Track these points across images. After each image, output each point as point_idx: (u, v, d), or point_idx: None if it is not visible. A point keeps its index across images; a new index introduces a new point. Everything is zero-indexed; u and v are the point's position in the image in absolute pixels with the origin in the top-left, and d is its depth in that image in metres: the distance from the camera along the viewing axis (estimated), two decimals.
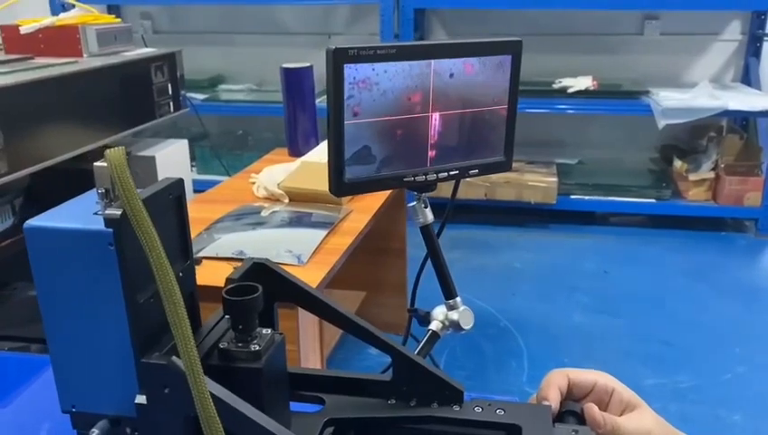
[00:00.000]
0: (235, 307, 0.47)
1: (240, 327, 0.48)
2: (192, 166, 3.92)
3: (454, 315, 0.67)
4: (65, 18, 2.03)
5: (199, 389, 0.39)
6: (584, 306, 2.62)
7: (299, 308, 1.29)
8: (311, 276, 1.35)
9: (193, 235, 1.57)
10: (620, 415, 0.62)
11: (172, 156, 2.17)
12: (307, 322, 1.42)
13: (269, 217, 1.68)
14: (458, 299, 0.68)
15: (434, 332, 0.67)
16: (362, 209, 1.72)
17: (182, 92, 2.27)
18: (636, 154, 3.67)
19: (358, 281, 2.35)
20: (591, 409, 0.60)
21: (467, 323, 0.67)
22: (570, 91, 3.32)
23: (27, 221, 0.45)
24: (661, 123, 3.13)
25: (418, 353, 0.65)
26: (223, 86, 3.92)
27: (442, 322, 0.68)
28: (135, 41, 3.86)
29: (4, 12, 2.17)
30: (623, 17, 3.51)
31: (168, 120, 2.20)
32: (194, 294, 0.52)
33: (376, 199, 1.77)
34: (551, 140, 3.64)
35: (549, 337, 2.40)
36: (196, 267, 1.47)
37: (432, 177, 0.64)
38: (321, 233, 1.56)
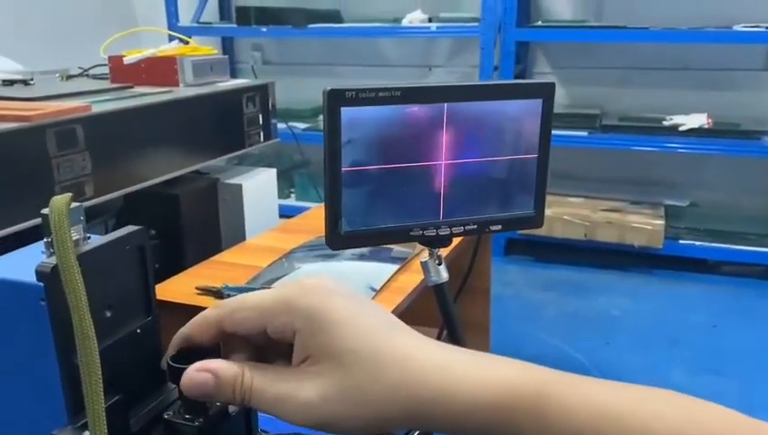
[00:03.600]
0: (177, 375, 0.42)
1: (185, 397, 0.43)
2: (291, 192, 4.02)
3: None
4: (166, 49, 2.12)
5: None
6: (687, 363, 2.40)
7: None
8: None
9: (267, 263, 1.58)
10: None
11: (259, 185, 2.19)
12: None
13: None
14: None
15: None
16: None
17: (273, 122, 2.30)
18: (756, 199, 3.37)
19: (437, 318, 2.27)
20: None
21: None
22: (681, 128, 3.11)
23: None
24: None
25: None
26: None
27: None
28: (245, 71, 4.04)
29: (127, 42, 2.29)
30: (746, 51, 3.25)
31: (257, 148, 2.24)
32: (157, 351, 0.48)
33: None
34: (659, 180, 3.41)
35: None
36: None
37: (445, 231, 0.57)
38: (391, 269, 1.51)
